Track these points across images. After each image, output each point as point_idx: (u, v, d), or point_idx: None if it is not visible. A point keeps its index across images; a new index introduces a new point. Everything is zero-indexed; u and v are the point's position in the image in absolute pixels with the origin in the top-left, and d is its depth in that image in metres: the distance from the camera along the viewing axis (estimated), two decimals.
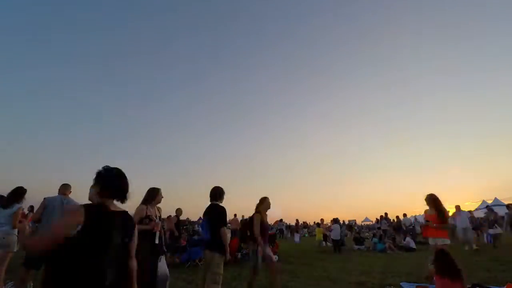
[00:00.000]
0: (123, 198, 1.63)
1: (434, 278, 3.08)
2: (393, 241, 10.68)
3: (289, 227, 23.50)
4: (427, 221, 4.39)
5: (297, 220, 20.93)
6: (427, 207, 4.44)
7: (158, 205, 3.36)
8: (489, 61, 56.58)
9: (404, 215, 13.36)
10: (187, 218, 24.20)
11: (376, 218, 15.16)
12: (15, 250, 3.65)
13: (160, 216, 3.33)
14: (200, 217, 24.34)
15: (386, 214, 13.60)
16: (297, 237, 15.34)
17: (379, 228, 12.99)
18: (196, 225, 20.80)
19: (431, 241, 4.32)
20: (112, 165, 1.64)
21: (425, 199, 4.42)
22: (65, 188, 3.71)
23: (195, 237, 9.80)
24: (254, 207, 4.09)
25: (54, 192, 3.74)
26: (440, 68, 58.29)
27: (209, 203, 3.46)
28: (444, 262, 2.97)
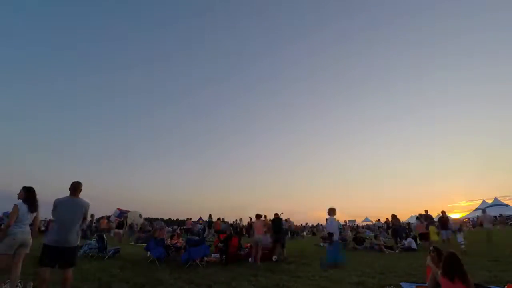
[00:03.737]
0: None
1: (440, 279, 3.13)
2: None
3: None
4: None
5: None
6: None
7: None
8: (488, 58, 56.77)
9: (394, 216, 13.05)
10: (188, 218, 24.14)
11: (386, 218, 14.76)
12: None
13: None
14: (200, 217, 24.19)
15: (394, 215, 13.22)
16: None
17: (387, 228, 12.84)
18: (198, 225, 20.76)
19: None
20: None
21: None
22: (75, 188, 3.67)
23: (195, 237, 9.77)
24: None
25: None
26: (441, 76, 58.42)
27: None
28: (450, 263, 3.05)
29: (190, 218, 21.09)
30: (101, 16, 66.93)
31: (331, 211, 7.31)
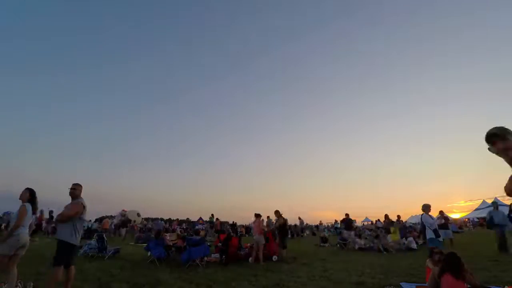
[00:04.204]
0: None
1: (441, 277, 3.18)
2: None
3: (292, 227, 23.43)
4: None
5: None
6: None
7: None
8: (488, 56, 57.04)
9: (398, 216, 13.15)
10: (187, 218, 24.18)
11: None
12: None
13: None
14: (200, 217, 24.22)
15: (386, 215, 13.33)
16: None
17: (377, 228, 13.00)
18: (197, 225, 20.80)
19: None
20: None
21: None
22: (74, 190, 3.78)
23: (195, 237, 9.77)
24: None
25: None
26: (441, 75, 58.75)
27: None
28: (452, 262, 3.14)
29: (170, 218, 21.39)
30: (101, 13, 67.00)
31: (426, 208, 6.72)
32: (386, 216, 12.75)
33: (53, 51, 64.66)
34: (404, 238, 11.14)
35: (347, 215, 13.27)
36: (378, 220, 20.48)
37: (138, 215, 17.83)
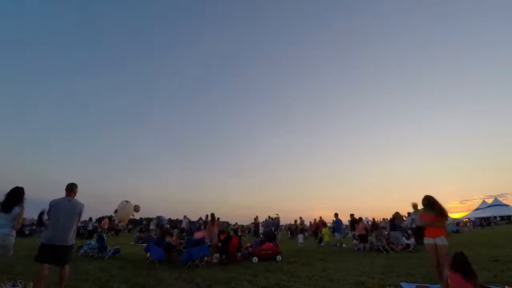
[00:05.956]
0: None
1: (449, 275, 3.21)
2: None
3: (289, 228, 23.29)
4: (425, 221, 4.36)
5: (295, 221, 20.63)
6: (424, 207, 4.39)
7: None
8: (487, 59, 57.09)
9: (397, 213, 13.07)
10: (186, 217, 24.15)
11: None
12: (11, 253, 3.65)
13: None
14: (200, 217, 24.16)
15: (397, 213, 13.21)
16: (300, 238, 14.74)
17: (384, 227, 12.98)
18: (197, 225, 20.77)
19: (430, 240, 4.23)
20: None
21: (422, 200, 4.37)
22: (70, 189, 3.79)
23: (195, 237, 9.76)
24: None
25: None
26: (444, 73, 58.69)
27: None
28: (460, 262, 3.13)
29: (170, 218, 21.55)
30: (100, 16, 67.13)
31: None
32: (396, 213, 12.71)
33: (54, 54, 64.70)
34: (404, 239, 11.11)
35: (352, 215, 12.94)
36: (384, 219, 20.40)
37: (127, 201, 16.35)
